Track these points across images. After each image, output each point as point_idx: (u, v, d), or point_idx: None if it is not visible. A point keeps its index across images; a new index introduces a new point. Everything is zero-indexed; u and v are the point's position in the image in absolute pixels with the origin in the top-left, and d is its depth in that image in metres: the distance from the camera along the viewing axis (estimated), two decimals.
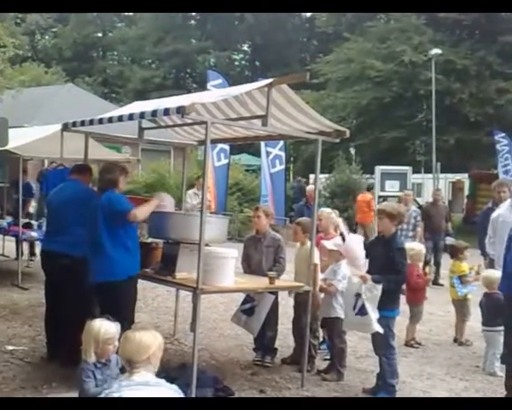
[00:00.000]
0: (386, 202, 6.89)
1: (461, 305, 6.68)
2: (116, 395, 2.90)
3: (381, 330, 4.66)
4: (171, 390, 2.96)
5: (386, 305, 4.68)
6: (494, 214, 6.39)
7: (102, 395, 3.02)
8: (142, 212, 4.69)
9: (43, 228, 9.22)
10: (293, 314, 5.69)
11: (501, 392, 5.06)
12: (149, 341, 3.04)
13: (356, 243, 5.09)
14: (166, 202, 5.15)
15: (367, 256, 4.92)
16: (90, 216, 4.69)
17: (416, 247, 6.80)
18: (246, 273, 5.44)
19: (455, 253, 6.85)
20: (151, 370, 3.04)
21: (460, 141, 24.17)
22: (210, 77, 13.90)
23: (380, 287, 4.60)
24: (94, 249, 4.65)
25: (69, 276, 4.90)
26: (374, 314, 4.61)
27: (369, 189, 15.75)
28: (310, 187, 10.54)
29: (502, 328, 5.60)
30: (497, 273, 5.69)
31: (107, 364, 3.64)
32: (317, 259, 5.24)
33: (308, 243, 5.25)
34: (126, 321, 4.18)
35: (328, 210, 6.15)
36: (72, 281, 4.89)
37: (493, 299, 5.66)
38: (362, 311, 4.67)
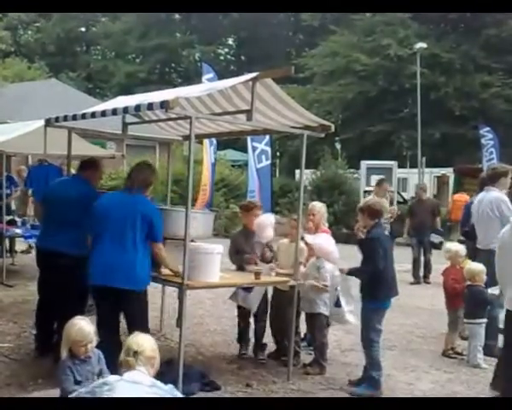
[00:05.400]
0: (370, 197, 6.85)
1: None
2: (108, 390, 2.92)
3: (353, 321, 4.93)
4: (164, 392, 2.96)
5: (365, 296, 4.83)
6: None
7: (98, 382, 3.06)
8: (163, 256, 4.51)
9: (28, 225, 9.16)
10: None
11: (485, 383, 5.13)
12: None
13: (324, 238, 5.29)
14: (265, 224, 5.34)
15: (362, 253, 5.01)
16: (120, 213, 4.43)
17: (452, 247, 6.32)
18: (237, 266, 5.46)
19: None
20: (150, 373, 3.04)
21: (445, 135, 24.37)
22: (204, 70, 13.71)
23: (351, 279, 4.87)
24: (119, 250, 4.38)
25: (70, 275, 4.78)
26: (347, 307, 4.91)
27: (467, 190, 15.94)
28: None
29: (483, 320, 5.69)
30: (479, 266, 5.75)
31: (87, 360, 3.62)
32: (302, 256, 5.26)
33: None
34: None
35: (320, 204, 6.06)
36: (72, 280, 4.79)
37: (475, 291, 5.71)
38: (338, 303, 5.15)
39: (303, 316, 5.51)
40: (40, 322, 5.28)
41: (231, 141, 21.41)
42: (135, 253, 4.37)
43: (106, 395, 2.89)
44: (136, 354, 3.03)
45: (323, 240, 5.30)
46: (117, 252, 4.36)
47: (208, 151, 12.93)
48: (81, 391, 3.35)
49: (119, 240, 4.37)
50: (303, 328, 5.65)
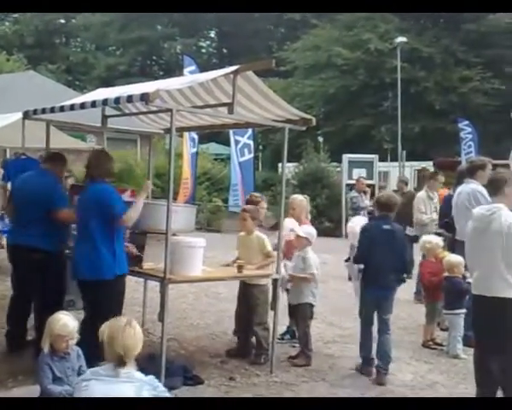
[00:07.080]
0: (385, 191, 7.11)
1: None
2: (85, 386, 2.88)
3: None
4: (142, 383, 2.93)
5: None
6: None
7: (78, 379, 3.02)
8: (134, 213, 4.42)
9: (6, 220, 9.02)
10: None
11: (464, 373, 5.21)
12: (141, 335, 3.06)
13: (357, 221, 5.89)
14: None
15: None
16: (81, 207, 4.55)
17: (433, 240, 6.34)
18: None
19: None
20: (135, 367, 3.01)
21: (425, 129, 24.60)
22: (186, 62, 13.56)
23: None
24: (82, 243, 4.47)
25: (43, 270, 4.76)
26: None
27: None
28: None
29: (462, 311, 5.76)
30: (458, 258, 5.82)
31: (66, 357, 3.59)
32: (269, 246, 5.24)
33: (256, 232, 5.26)
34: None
35: (301, 197, 6.03)
36: (46, 276, 4.77)
37: (454, 283, 5.78)
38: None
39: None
40: (14, 319, 5.19)
41: (214, 134, 21.32)
42: (94, 242, 4.36)
43: (84, 390, 2.87)
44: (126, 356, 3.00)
45: (307, 227, 5.56)
46: (83, 245, 4.45)
47: (188, 145, 12.85)
48: (67, 390, 3.34)
49: (84, 233, 4.46)
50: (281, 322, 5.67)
